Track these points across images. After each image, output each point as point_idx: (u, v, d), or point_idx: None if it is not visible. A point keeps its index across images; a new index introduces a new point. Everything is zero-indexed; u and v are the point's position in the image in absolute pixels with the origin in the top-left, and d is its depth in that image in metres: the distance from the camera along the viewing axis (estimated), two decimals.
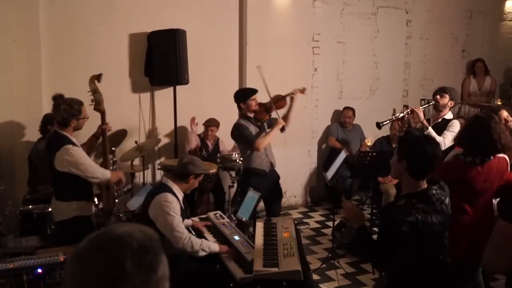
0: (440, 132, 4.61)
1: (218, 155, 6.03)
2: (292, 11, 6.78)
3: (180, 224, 3.53)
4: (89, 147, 4.31)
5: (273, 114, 5.10)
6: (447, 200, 2.60)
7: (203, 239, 3.68)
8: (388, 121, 4.84)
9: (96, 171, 3.79)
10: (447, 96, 4.70)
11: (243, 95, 5.03)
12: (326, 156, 7.30)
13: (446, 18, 8.32)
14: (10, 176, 5.34)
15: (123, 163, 5.61)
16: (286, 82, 6.64)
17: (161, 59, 5.84)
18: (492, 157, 3.28)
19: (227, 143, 6.28)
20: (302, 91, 5.17)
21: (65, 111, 3.76)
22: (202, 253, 3.54)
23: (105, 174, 3.85)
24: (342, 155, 4.87)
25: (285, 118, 5.09)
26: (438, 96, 4.75)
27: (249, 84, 6.61)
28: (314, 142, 7.39)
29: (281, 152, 6.75)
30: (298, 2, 6.79)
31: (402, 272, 2.59)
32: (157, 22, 5.91)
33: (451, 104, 4.76)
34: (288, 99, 5.10)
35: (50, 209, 4.22)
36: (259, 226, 3.84)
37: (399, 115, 4.83)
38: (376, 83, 7.88)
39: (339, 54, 7.47)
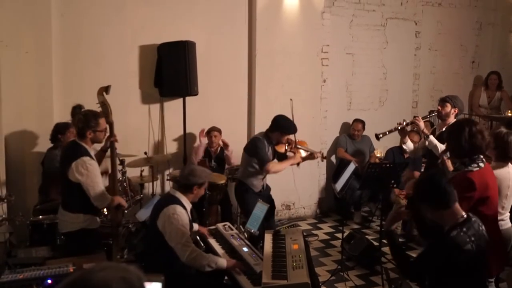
0: (444, 140, 4.54)
1: (226, 166, 6.04)
2: (300, 23, 6.81)
3: (187, 238, 3.52)
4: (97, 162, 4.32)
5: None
6: (483, 226, 2.67)
7: (210, 255, 3.65)
8: (387, 133, 4.90)
9: (98, 196, 3.79)
10: (448, 104, 4.73)
11: (286, 129, 5.02)
12: (335, 168, 7.29)
13: (456, 29, 8.31)
14: (21, 186, 5.39)
15: (132, 169, 5.59)
16: (295, 93, 6.68)
17: (171, 70, 5.89)
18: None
19: (232, 154, 6.30)
20: (323, 157, 5.54)
21: (80, 122, 3.81)
22: (208, 269, 3.51)
23: (104, 201, 3.85)
24: (351, 167, 4.86)
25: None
26: (439, 107, 4.81)
27: (257, 97, 6.66)
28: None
29: None
30: (306, 14, 6.82)
31: None
32: (167, 34, 5.98)
33: (454, 111, 4.75)
34: (307, 154, 5.29)
35: None
36: (268, 238, 3.83)
37: (398, 126, 4.85)
38: (385, 95, 7.88)
39: (348, 65, 7.48)
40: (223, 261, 3.58)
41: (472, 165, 3.20)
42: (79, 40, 5.78)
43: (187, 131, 6.20)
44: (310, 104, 7.01)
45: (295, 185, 6.87)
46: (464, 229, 2.54)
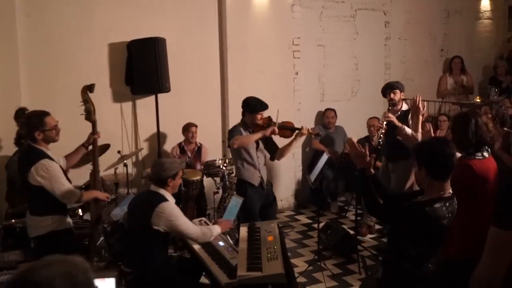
0: (404, 123, 4.98)
1: (199, 162, 6.04)
2: (271, 16, 6.83)
3: (190, 225, 3.78)
4: (76, 156, 4.27)
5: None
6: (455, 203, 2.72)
7: (209, 227, 4.03)
8: (380, 140, 5.14)
9: (67, 193, 3.72)
10: (397, 91, 5.17)
11: (253, 107, 4.82)
12: (310, 159, 7.34)
13: (424, 18, 8.44)
14: None
15: (106, 172, 5.54)
16: (268, 86, 6.71)
17: (142, 67, 5.84)
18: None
19: (210, 151, 6.30)
20: (315, 133, 5.49)
21: (24, 125, 3.73)
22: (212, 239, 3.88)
23: (73, 196, 3.79)
24: (324, 157, 4.91)
25: (283, 150, 5.05)
26: (391, 95, 5.17)
27: (230, 92, 6.67)
28: (298, 145, 7.40)
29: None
30: (276, 7, 6.84)
31: (410, 264, 2.66)
32: (137, 31, 5.91)
33: (402, 95, 5.21)
34: (294, 135, 4.95)
35: None
36: (243, 230, 3.86)
37: (381, 132, 5.11)
38: (357, 85, 7.95)
39: (319, 57, 7.53)
40: (218, 228, 3.98)
41: (476, 154, 3.16)
42: (47, 40, 5.68)
43: (161, 128, 6.16)
44: (284, 97, 7.03)
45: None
46: (447, 204, 2.59)
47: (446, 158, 2.60)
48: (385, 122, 5.08)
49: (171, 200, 3.73)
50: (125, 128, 6.24)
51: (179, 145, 6.21)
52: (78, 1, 5.82)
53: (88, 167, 4.67)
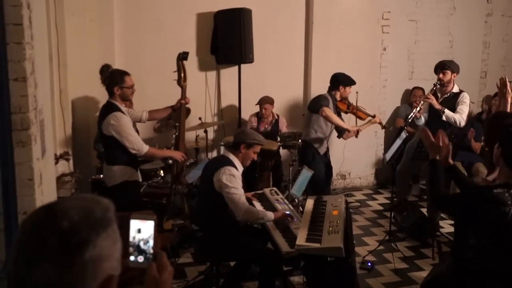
0: (451, 105, 4.98)
1: (279, 133, 6.09)
2: None
3: (242, 198, 3.60)
4: (161, 113, 4.53)
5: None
6: None
7: (262, 211, 3.79)
8: (409, 120, 5.17)
9: (135, 143, 3.93)
10: (448, 71, 5.06)
11: (346, 81, 5.32)
12: (392, 139, 7.10)
13: None
14: (86, 146, 5.74)
15: (188, 134, 5.76)
16: (354, 61, 6.57)
17: (227, 38, 5.97)
18: None
19: (290, 123, 6.32)
20: (382, 124, 5.74)
21: (107, 79, 3.98)
22: (260, 221, 3.74)
23: (142, 148, 3.97)
24: (402, 136, 4.74)
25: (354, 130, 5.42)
26: (441, 74, 5.06)
27: (314, 66, 6.61)
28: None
29: None
30: None
31: (472, 255, 2.55)
32: (224, 1, 6.03)
33: (454, 76, 5.08)
34: (367, 120, 5.52)
35: None
36: (309, 203, 3.88)
37: (416, 111, 5.13)
38: None
39: (410, 33, 7.20)
40: (271, 214, 3.69)
41: None
42: (139, 9, 5.98)
43: (242, 98, 6.28)
44: (368, 73, 6.86)
45: (351, 155, 6.81)
46: (511, 191, 2.43)
47: None
48: (421, 102, 5.10)
49: (239, 167, 3.74)
50: (209, 96, 6.44)
51: (257, 114, 6.27)
52: None
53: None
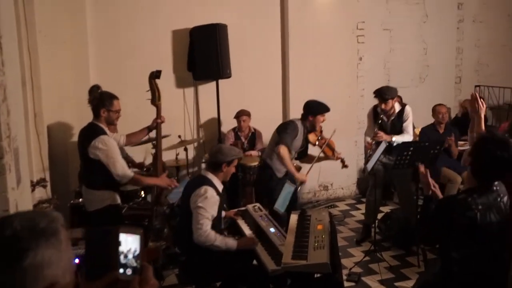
0: (400, 124, 5.14)
1: (260, 147, 6.05)
2: (334, 0, 6.67)
3: (204, 220, 3.49)
4: (138, 136, 4.47)
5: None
6: (505, 199, 2.54)
7: (221, 237, 3.57)
8: (371, 159, 5.01)
9: (121, 169, 3.85)
10: (389, 101, 5.07)
11: (317, 108, 4.90)
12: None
13: None
14: (64, 171, 5.61)
15: (167, 152, 5.69)
16: (331, 72, 6.61)
17: (203, 54, 5.94)
18: None
19: (265, 137, 6.28)
20: (344, 163, 5.31)
21: (96, 99, 3.92)
22: (218, 248, 3.52)
23: (127, 174, 3.89)
24: (383, 146, 4.75)
25: (310, 160, 5.16)
26: (383, 105, 5.09)
27: (292, 78, 6.61)
28: (361, 133, 7.22)
29: None
30: None
31: (457, 268, 2.54)
32: (199, 18, 6.01)
33: (394, 101, 5.16)
34: (330, 157, 5.27)
35: None
36: (293, 218, 3.84)
37: (369, 152, 5.14)
38: (426, 70, 7.63)
39: (385, 41, 7.29)
40: (233, 244, 3.55)
41: None
42: (113, 29, 5.92)
43: (221, 114, 6.24)
44: (346, 83, 6.90)
45: (332, 165, 6.78)
46: (475, 196, 2.44)
47: (500, 166, 2.43)
48: (373, 142, 5.11)
49: (219, 186, 3.71)
50: (187, 113, 6.39)
51: (234, 130, 6.27)
52: None
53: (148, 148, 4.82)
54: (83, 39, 5.66)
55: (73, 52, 5.59)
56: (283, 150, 4.68)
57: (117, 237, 1.43)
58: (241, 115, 6.12)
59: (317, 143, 5.10)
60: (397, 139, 5.05)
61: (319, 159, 5.15)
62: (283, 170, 4.93)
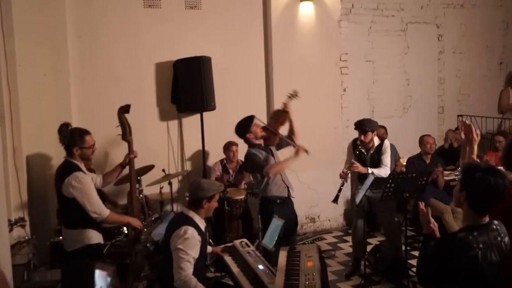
0: (378, 157, 5.16)
1: (248, 180, 5.96)
2: (317, 32, 6.72)
3: (184, 264, 3.38)
4: (112, 175, 4.39)
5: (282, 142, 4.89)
6: (506, 239, 2.47)
7: (201, 285, 3.39)
8: (339, 193, 5.04)
9: (97, 207, 3.78)
10: (369, 133, 5.14)
11: (245, 125, 4.74)
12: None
13: (480, 30, 8.07)
14: (43, 207, 5.43)
15: (149, 188, 5.56)
16: (315, 104, 6.60)
17: (187, 86, 5.90)
18: None
19: None
20: (293, 95, 4.86)
21: (66, 138, 3.86)
22: None
23: (103, 212, 3.83)
24: (370, 178, 4.71)
25: (291, 131, 4.88)
26: (362, 137, 5.16)
27: (276, 108, 6.57)
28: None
29: (312, 174, 6.66)
30: (323, 23, 6.73)
31: None
32: (182, 50, 5.99)
33: (374, 135, 5.21)
34: (284, 111, 4.84)
35: None
36: (282, 254, 3.72)
37: (343, 180, 5.13)
38: (409, 101, 7.69)
39: (368, 73, 7.35)
40: None
41: None
42: (96, 61, 5.86)
43: (206, 146, 6.16)
44: (331, 114, 6.89)
45: (318, 197, 6.75)
46: (475, 234, 2.36)
47: (495, 192, 2.37)
48: (348, 171, 5.14)
49: (201, 224, 3.58)
50: (171, 146, 6.29)
51: (221, 162, 6.17)
52: (126, 23, 5.98)
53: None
54: (64, 71, 5.59)
55: (54, 85, 5.51)
56: (269, 168, 4.50)
57: (93, 272, 1.36)
58: (231, 145, 6.04)
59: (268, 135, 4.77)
60: (374, 171, 5.04)
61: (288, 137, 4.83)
62: (282, 187, 4.71)
